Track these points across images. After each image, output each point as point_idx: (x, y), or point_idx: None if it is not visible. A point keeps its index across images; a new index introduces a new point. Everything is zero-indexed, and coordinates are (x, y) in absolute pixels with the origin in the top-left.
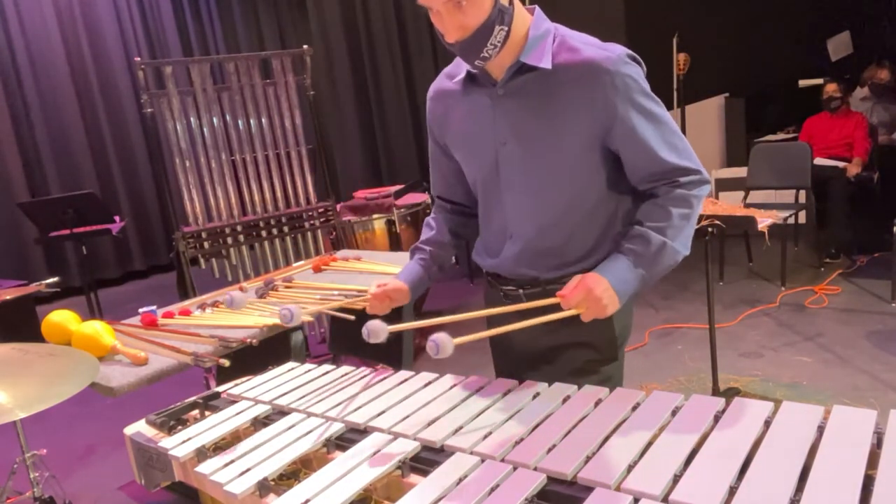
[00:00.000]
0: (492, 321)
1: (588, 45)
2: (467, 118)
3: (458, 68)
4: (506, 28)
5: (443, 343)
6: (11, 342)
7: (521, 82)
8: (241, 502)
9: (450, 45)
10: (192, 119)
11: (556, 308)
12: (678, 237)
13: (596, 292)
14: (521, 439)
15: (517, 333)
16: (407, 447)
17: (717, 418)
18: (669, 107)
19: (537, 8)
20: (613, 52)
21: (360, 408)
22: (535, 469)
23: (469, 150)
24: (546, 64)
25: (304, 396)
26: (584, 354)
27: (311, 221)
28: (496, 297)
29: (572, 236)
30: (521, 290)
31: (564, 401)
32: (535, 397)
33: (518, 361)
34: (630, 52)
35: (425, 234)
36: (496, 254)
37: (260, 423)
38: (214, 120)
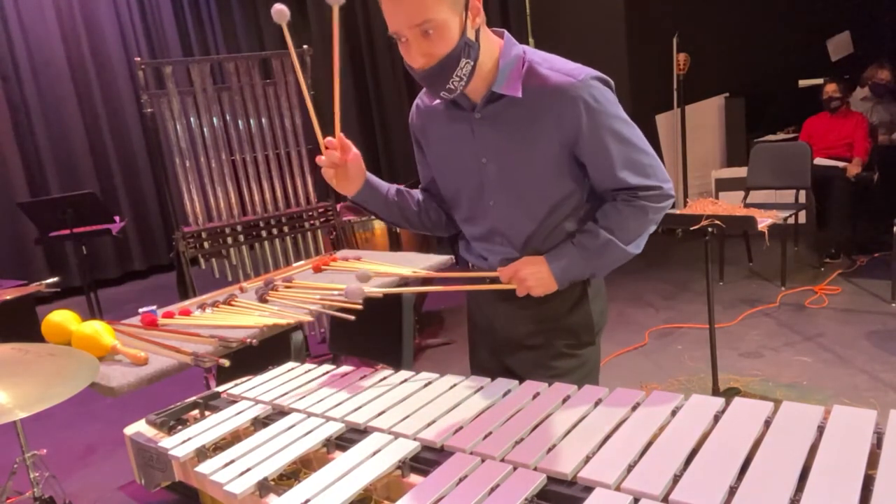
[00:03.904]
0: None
1: (555, 71)
2: (448, 137)
3: None
4: (472, 62)
5: (351, 291)
6: (11, 342)
7: (495, 108)
8: (241, 502)
9: (416, 75)
10: (192, 119)
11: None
12: (627, 238)
13: (521, 273)
14: (521, 439)
15: (499, 320)
16: (407, 447)
17: (717, 418)
18: (669, 107)
19: (506, 33)
20: (578, 77)
21: (360, 408)
22: (535, 469)
23: (451, 166)
24: (516, 93)
25: (304, 396)
26: (564, 340)
27: (311, 221)
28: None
29: (554, 238)
30: None
31: (564, 401)
32: (535, 397)
33: (498, 348)
34: (597, 73)
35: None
36: (482, 257)
37: (260, 423)
38: (214, 120)
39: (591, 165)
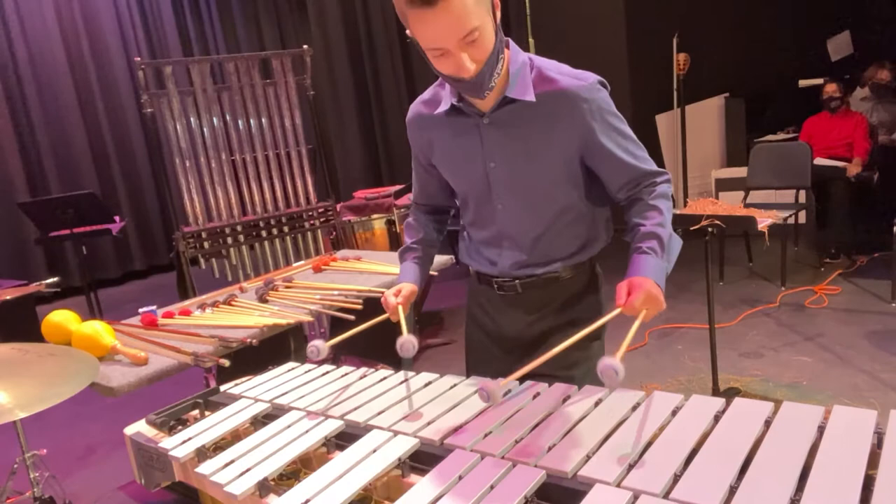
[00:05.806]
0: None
1: (563, 75)
2: (454, 143)
3: (437, 97)
4: (504, 56)
5: (492, 391)
6: (11, 342)
7: (505, 112)
8: (241, 502)
9: (461, 85)
10: (192, 119)
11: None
12: (671, 227)
13: (653, 291)
14: (521, 438)
15: (510, 324)
16: (406, 445)
17: (717, 418)
18: (669, 107)
19: (511, 41)
20: (587, 81)
21: (359, 407)
22: (535, 467)
23: (459, 171)
24: (530, 97)
25: (303, 396)
26: (575, 334)
27: (311, 221)
28: (488, 290)
29: (561, 241)
30: (517, 281)
31: (564, 401)
32: (535, 397)
33: (509, 351)
34: (600, 78)
35: (412, 235)
36: (491, 261)
37: (260, 422)
38: (214, 120)
39: (606, 163)
